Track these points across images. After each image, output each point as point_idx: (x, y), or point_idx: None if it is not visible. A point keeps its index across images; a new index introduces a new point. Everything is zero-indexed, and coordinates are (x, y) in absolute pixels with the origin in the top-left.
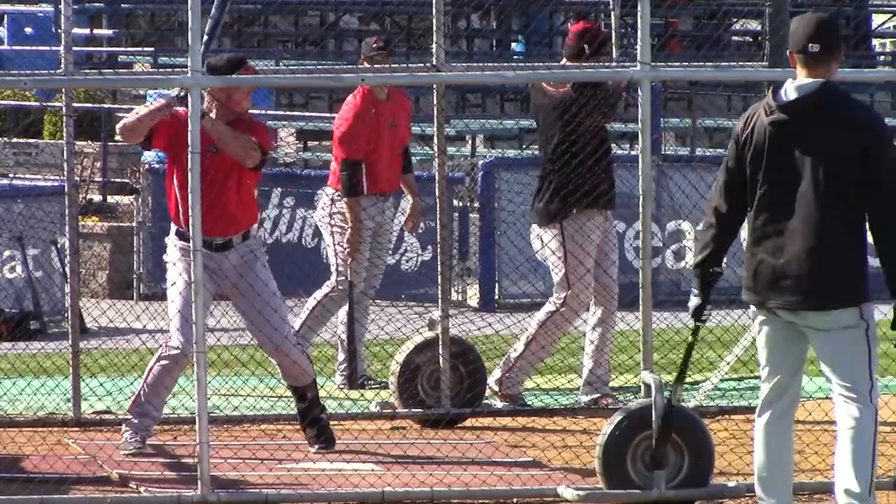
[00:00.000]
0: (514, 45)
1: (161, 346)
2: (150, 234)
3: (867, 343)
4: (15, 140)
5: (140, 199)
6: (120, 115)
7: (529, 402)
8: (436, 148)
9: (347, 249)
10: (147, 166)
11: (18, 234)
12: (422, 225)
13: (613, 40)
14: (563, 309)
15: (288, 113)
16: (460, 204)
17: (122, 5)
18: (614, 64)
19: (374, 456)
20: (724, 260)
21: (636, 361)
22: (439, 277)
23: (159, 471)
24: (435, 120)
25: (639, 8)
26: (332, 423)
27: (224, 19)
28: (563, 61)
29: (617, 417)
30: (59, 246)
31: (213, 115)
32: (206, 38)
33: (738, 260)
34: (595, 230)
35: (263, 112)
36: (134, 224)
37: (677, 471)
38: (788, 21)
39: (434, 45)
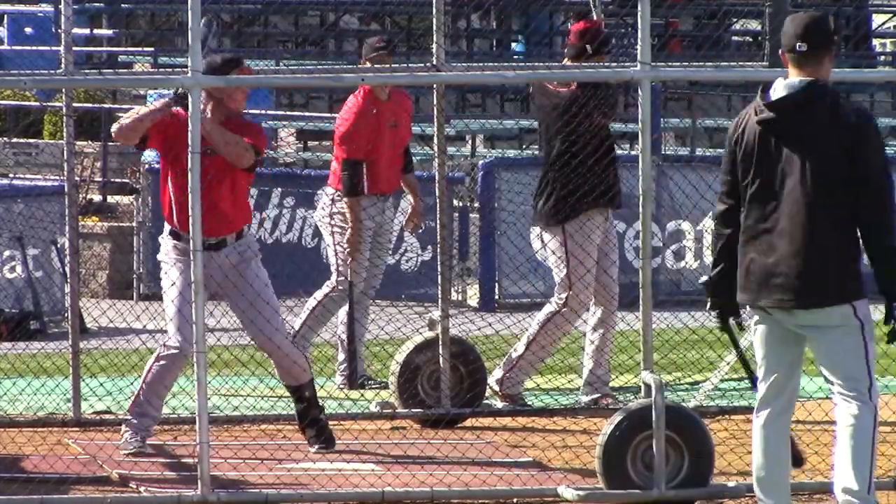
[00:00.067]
0: (514, 45)
1: (159, 345)
2: (150, 234)
3: (864, 341)
4: (15, 140)
5: (140, 199)
6: (120, 115)
7: (529, 402)
8: (436, 148)
9: (347, 249)
10: (147, 166)
11: (18, 234)
12: (422, 225)
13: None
14: (564, 310)
15: (288, 113)
16: (460, 204)
17: (122, 5)
18: (614, 64)
19: (374, 456)
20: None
21: (636, 361)
22: (439, 277)
23: (159, 471)
24: (435, 120)
25: (639, 8)
26: (332, 423)
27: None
28: (566, 61)
29: (617, 417)
30: (59, 246)
31: (207, 114)
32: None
33: None
34: (595, 230)
35: (263, 112)
36: (134, 224)
37: (677, 471)
38: None
39: (434, 45)
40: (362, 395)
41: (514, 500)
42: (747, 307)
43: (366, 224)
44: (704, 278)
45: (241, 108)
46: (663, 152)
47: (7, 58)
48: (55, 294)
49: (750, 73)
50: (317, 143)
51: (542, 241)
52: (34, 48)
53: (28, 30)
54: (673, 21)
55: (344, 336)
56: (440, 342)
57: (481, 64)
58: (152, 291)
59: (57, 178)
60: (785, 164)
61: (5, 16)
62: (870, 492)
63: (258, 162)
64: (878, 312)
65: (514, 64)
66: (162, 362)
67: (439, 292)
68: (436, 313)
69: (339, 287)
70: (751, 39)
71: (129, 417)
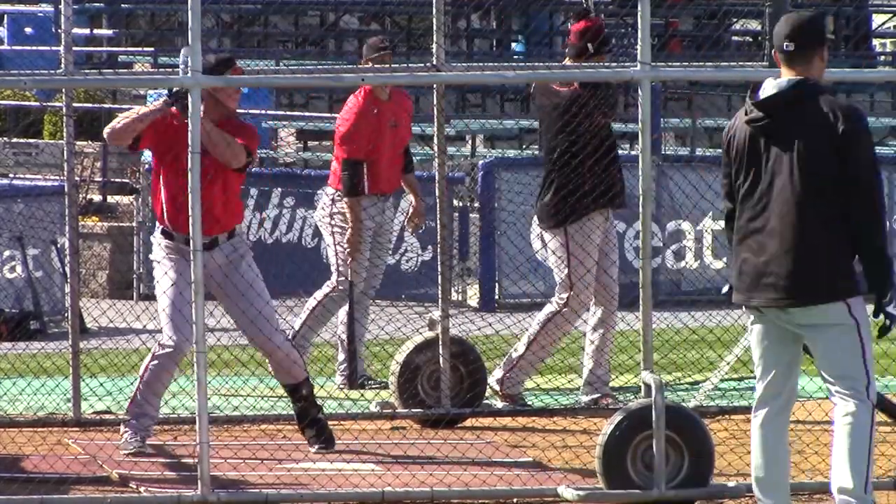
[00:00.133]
0: (514, 45)
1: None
2: (150, 234)
3: (860, 340)
4: (15, 140)
5: (140, 199)
6: (119, 114)
7: (529, 402)
8: (436, 148)
9: (347, 249)
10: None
11: (18, 234)
12: (422, 225)
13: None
14: (564, 310)
15: (288, 113)
16: (460, 204)
17: (122, 5)
18: (614, 64)
19: (374, 456)
20: None
21: (636, 361)
22: (439, 277)
23: (159, 471)
24: (435, 120)
25: (639, 8)
26: (332, 423)
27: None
28: (567, 60)
29: (617, 417)
30: (59, 246)
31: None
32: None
33: None
34: (596, 230)
35: (263, 112)
36: (134, 224)
37: (677, 471)
38: None
39: (434, 45)
40: (362, 395)
41: (514, 500)
42: (743, 307)
43: (366, 224)
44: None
45: (235, 109)
46: (663, 152)
47: (7, 58)
48: (55, 294)
49: (750, 73)
50: (317, 143)
51: (543, 242)
52: (34, 48)
53: (28, 30)
54: (673, 21)
55: (344, 336)
56: (440, 342)
57: (481, 64)
58: (152, 291)
59: (57, 178)
60: (774, 164)
61: (5, 16)
62: (866, 491)
63: (250, 163)
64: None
65: (514, 64)
66: (157, 361)
67: (439, 292)
68: (436, 313)
69: (340, 287)
70: (751, 39)
71: (128, 418)
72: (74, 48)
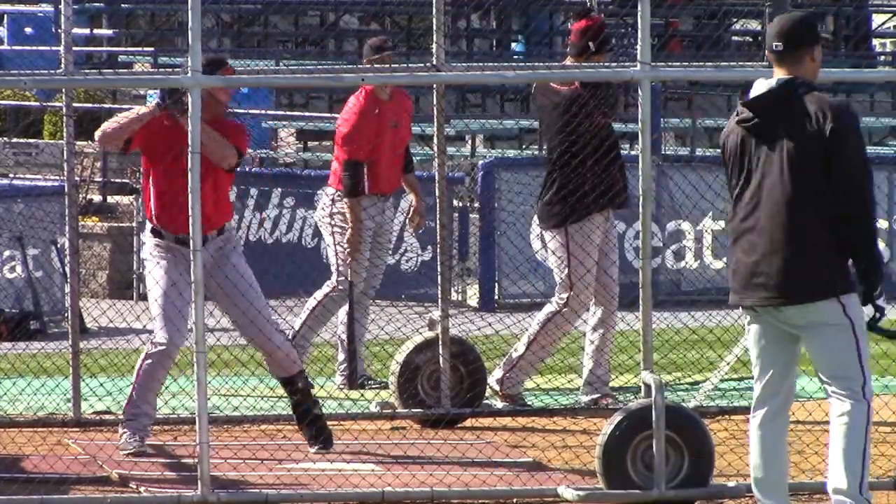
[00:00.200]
0: (514, 45)
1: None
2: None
3: (855, 339)
4: (15, 140)
5: (140, 200)
6: (111, 118)
7: (529, 402)
8: (436, 148)
9: (347, 249)
10: None
11: (18, 234)
12: (423, 224)
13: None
14: (564, 310)
15: (288, 113)
16: (460, 204)
17: (122, 5)
18: (614, 64)
19: (374, 456)
20: None
21: (636, 361)
22: (439, 277)
23: (159, 471)
24: (435, 120)
25: (639, 8)
26: (331, 423)
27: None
28: (568, 60)
29: (617, 417)
30: (59, 246)
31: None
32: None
33: None
34: (596, 230)
35: (263, 112)
36: (134, 224)
37: (677, 471)
38: None
39: (434, 45)
40: (362, 395)
41: (514, 500)
42: (739, 308)
43: (366, 224)
44: None
45: (226, 109)
46: (663, 152)
47: (7, 58)
48: (55, 294)
49: (750, 73)
50: (317, 143)
51: (543, 242)
52: (34, 48)
53: (28, 30)
54: (673, 21)
55: (344, 336)
56: (440, 342)
57: (481, 64)
58: None
59: (57, 178)
60: (764, 164)
61: (5, 16)
62: (862, 491)
63: (240, 162)
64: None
65: (514, 64)
66: (151, 360)
67: (439, 292)
68: (436, 313)
69: (339, 287)
70: (751, 39)
71: (126, 419)
72: (74, 48)
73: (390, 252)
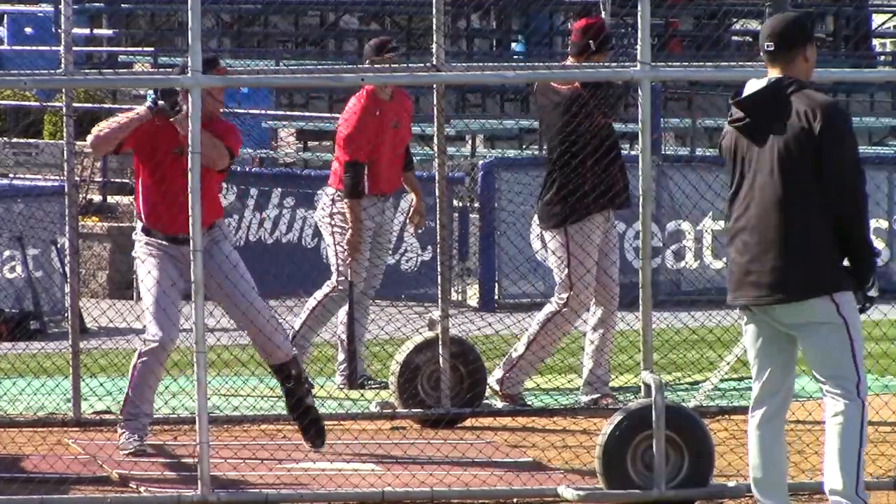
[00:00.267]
0: (514, 45)
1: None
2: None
3: (849, 338)
4: (15, 140)
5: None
6: (118, 115)
7: (529, 402)
8: (436, 148)
9: (347, 250)
10: None
11: (18, 234)
12: (423, 224)
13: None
14: (564, 310)
15: (288, 113)
16: (460, 204)
17: (122, 5)
18: (614, 64)
19: (374, 456)
20: None
21: (636, 361)
22: (439, 277)
23: (159, 471)
24: (435, 120)
25: (639, 8)
26: (331, 423)
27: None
28: (569, 59)
29: (617, 417)
30: (59, 246)
31: (187, 106)
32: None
33: None
34: (596, 230)
35: (263, 112)
36: (134, 224)
37: (677, 471)
38: None
39: (434, 45)
40: (362, 395)
41: (514, 500)
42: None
43: (366, 224)
44: None
45: (220, 109)
46: (663, 152)
47: (7, 58)
48: (55, 294)
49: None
50: (317, 143)
51: (543, 242)
52: (34, 48)
53: (28, 30)
54: (673, 21)
55: (344, 336)
56: (440, 342)
57: (481, 64)
58: None
59: (57, 178)
60: (756, 163)
61: (5, 16)
62: (858, 491)
63: (232, 164)
64: (878, 312)
65: (514, 64)
66: (144, 358)
67: (439, 292)
68: (436, 313)
69: (340, 287)
70: (751, 39)
71: (123, 419)
72: (74, 48)
73: (390, 252)
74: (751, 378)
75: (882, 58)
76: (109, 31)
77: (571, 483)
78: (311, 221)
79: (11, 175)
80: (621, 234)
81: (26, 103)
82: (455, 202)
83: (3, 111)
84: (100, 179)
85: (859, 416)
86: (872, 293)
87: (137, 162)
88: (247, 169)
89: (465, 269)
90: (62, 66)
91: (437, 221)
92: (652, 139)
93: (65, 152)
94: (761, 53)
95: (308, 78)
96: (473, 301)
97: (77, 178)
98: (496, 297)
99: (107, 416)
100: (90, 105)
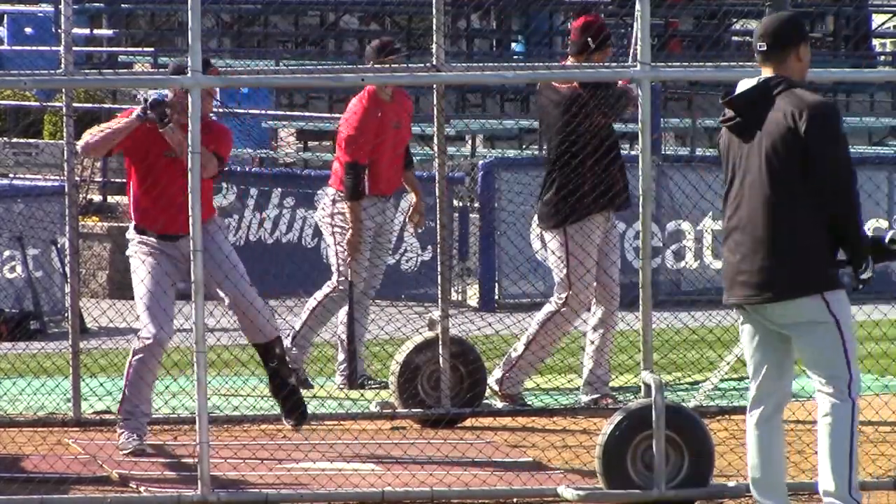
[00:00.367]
0: (514, 45)
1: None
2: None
3: (841, 337)
4: (15, 140)
5: None
6: (117, 115)
7: (529, 402)
8: (436, 148)
9: (347, 250)
10: None
11: (18, 234)
12: (423, 223)
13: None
14: (563, 309)
15: (288, 113)
16: (460, 204)
17: (122, 5)
18: (614, 64)
19: (374, 456)
20: None
21: (636, 361)
22: (439, 277)
23: (159, 471)
24: (435, 120)
25: (639, 8)
26: (331, 423)
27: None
28: (569, 59)
29: (617, 417)
30: (59, 246)
31: (176, 116)
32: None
33: None
34: (596, 230)
35: (263, 112)
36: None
37: (677, 471)
38: None
39: (434, 45)
40: (362, 395)
41: (514, 500)
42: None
43: (366, 224)
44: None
45: (209, 112)
46: (663, 152)
47: (7, 58)
48: (55, 294)
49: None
50: (317, 143)
51: (543, 241)
52: (34, 48)
53: (28, 30)
54: (673, 21)
55: (344, 336)
56: (440, 342)
57: (481, 64)
58: None
59: (57, 178)
60: (746, 163)
61: (5, 16)
62: (851, 491)
63: (222, 170)
64: (878, 312)
65: (514, 64)
66: (139, 356)
67: (439, 292)
68: (436, 313)
69: (340, 287)
70: (751, 39)
71: (122, 418)
72: (74, 48)
73: (391, 252)
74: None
75: (882, 58)
76: (109, 31)
77: (571, 483)
78: (311, 221)
79: (11, 175)
80: (621, 234)
81: (26, 103)
82: (455, 202)
83: (3, 111)
84: (100, 179)
85: (849, 416)
86: (865, 276)
87: (129, 163)
88: (247, 169)
89: (465, 269)
90: (62, 66)
91: (437, 221)
92: (652, 139)
93: (65, 152)
94: (755, 53)
95: (308, 78)
96: (473, 301)
97: (77, 178)
98: (496, 297)
99: (107, 416)
100: (90, 105)
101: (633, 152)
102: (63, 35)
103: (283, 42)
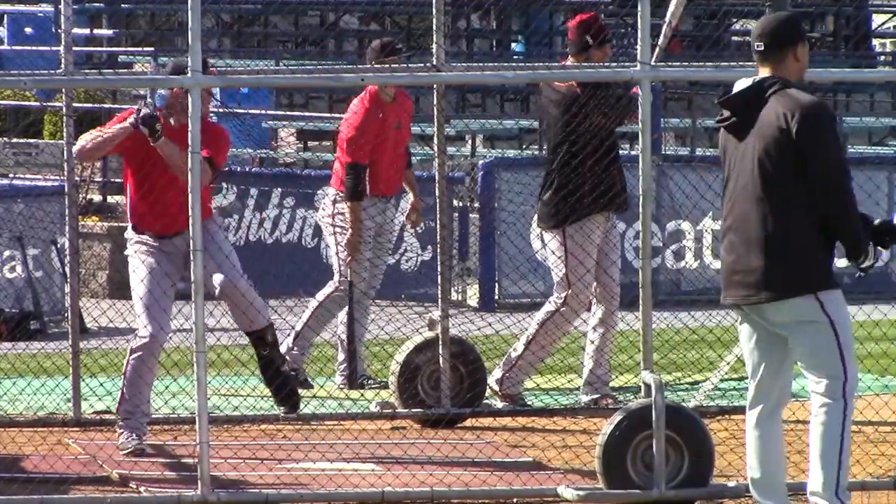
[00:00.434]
0: (514, 45)
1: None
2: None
3: (836, 337)
4: (15, 140)
5: None
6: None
7: (529, 402)
8: (436, 148)
9: (347, 250)
10: None
11: (18, 234)
12: (422, 225)
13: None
14: (563, 309)
15: (288, 113)
16: (460, 204)
17: (122, 5)
18: (615, 64)
19: (374, 456)
20: None
21: (636, 361)
22: (439, 277)
23: (159, 471)
24: (435, 120)
25: (639, 8)
26: (331, 423)
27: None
28: (569, 59)
29: (617, 417)
30: (59, 246)
31: (171, 120)
32: None
33: None
34: (596, 230)
35: (263, 112)
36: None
37: (677, 471)
38: None
39: (434, 45)
40: (362, 395)
41: (514, 500)
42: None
43: (366, 224)
44: None
45: (208, 112)
46: (663, 152)
47: (7, 58)
48: (55, 294)
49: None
50: (317, 143)
51: (543, 241)
52: (34, 48)
53: (28, 30)
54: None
55: (344, 336)
56: (440, 342)
57: (481, 64)
58: None
59: (57, 178)
60: (740, 163)
61: (5, 16)
62: (837, 492)
63: (217, 175)
64: (878, 312)
65: (514, 64)
66: (137, 354)
67: (439, 292)
68: (436, 313)
69: (342, 288)
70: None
71: (121, 418)
72: (74, 48)
73: (391, 252)
74: None
75: (882, 58)
76: (109, 31)
77: (571, 483)
78: (311, 221)
79: (11, 175)
80: (621, 233)
81: (26, 103)
82: (455, 202)
83: (3, 111)
84: (100, 179)
85: (841, 417)
86: (865, 264)
87: (126, 164)
88: (247, 169)
89: (465, 269)
90: (62, 66)
91: (437, 221)
92: (652, 139)
93: (65, 152)
94: (753, 53)
95: (308, 78)
96: (473, 301)
97: (77, 178)
98: (496, 297)
99: (107, 416)
100: (90, 105)
101: (633, 152)
102: (63, 35)
103: (283, 42)
